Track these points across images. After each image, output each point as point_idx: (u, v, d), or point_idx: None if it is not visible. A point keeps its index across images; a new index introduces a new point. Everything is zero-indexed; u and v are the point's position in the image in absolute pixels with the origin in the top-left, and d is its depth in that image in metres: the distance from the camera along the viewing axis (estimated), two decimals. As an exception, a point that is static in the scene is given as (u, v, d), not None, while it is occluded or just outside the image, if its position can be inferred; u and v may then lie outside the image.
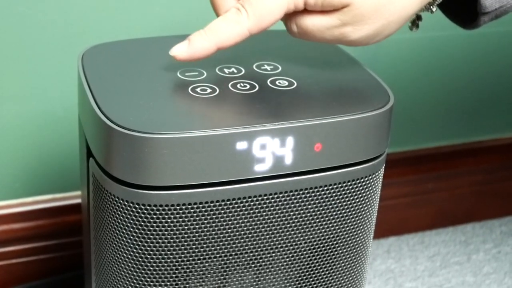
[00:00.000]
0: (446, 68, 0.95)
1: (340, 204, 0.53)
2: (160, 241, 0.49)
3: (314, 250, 0.54)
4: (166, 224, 0.49)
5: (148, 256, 0.50)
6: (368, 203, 0.54)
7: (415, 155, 0.99)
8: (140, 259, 0.50)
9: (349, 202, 0.53)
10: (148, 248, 0.50)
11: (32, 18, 0.73)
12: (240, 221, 0.50)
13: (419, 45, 0.91)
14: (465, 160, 1.02)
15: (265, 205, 0.51)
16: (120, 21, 0.76)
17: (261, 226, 0.51)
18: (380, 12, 0.51)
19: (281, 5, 0.51)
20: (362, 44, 0.53)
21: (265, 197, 0.50)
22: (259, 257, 0.53)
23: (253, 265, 0.53)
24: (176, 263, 0.51)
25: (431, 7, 0.55)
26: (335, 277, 0.56)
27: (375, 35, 0.52)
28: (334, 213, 0.53)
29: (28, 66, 0.75)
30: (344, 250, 0.55)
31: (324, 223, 0.53)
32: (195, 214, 0.49)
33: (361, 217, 0.54)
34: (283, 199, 0.51)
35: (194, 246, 0.50)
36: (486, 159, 1.03)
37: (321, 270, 0.55)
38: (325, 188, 0.52)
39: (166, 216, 0.49)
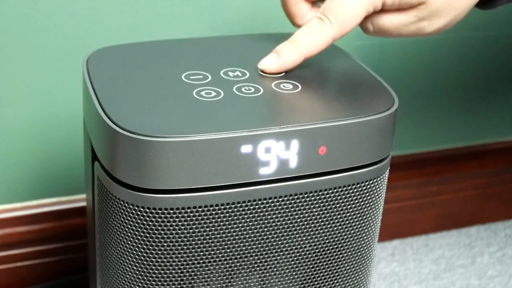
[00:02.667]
0: (450, 71, 0.95)
1: (344, 207, 0.53)
2: (165, 244, 0.50)
3: (319, 253, 0.54)
4: (171, 228, 0.49)
5: (153, 259, 0.50)
6: (372, 206, 0.54)
7: (419, 158, 0.99)
8: (145, 262, 0.50)
9: (353, 205, 0.53)
10: (153, 251, 0.50)
11: (37, 21, 0.73)
12: (245, 224, 0.50)
13: (423, 48, 0.91)
14: (469, 163, 1.01)
15: (270, 208, 0.51)
16: (125, 25, 0.76)
17: (266, 229, 0.51)
18: (453, 5, 0.54)
19: (362, 10, 0.53)
20: (435, 34, 0.56)
21: (270, 200, 0.50)
22: (263, 260, 0.53)
23: (257, 268, 0.53)
24: (181, 266, 0.51)
25: None
26: (339, 280, 0.56)
27: (447, 25, 0.55)
28: (339, 216, 0.53)
29: (33, 69, 0.75)
30: (349, 253, 0.55)
31: (328, 226, 0.53)
32: (200, 218, 0.49)
33: (365, 220, 0.54)
34: (288, 202, 0.51)
35: (199, 249, 0.50)
36: (490, 162, 1.03)
37: (326, 273, 0.55)
38: (330, 191, 0.52)
39: (171, 219, 0.49)
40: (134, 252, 0.50)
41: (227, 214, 0.50)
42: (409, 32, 0.55)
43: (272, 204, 0.51)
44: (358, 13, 0.53)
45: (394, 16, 0.55)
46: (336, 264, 0.55)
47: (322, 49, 0.54)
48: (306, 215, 0.52)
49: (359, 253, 0.56)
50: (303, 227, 0.52)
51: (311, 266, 0.54)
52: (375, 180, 0.53)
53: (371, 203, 0.54)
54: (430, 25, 0.55)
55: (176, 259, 0.50)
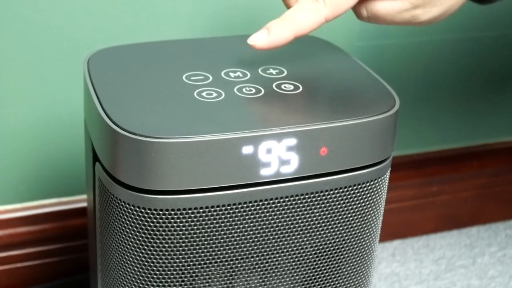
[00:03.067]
0: (450, 71, 0.95)
1: (346, 208, 0.53)
2: (166, 245, 0.49)
3: (320, 254, 0.54)
4: (172, 229, 0.49)
5: (154, 260, 0.50)
6: (374, 207, 0.54)
7: (420, 158, 0.99)
8: (146, 263, 0.50)
9: (355, 206, 0.53)
10: (154, 252, 0.50)
11: (38, 22, 0.73)
12: (246, 225, 0.50)
13: (424, 49, 0.91)
14: (469, 163, 1.01)
15: (271, 209, 0.51)
16: (126, 25, 0.76)
17: (267, 230, 0.51)
18: None
19: None
20: (429, 24, 0.55)
21: (271, 201, 0.50)
22: (265, 261, 0.53)
23: (259, 269, 0.53)
24: (182, 267, 0.51)
25: None
26: (341, 281, 0.56)
27: (442, 14, 0.54)
28: (340, 217, 0.53)
29: (33, 70, 0.75)
30: (350, 254, 0.55)
31: (330, 227, 0.53)
32: (201, 219, 0.49)
33: (367, 221, 0.54)
34: (289, 203, 0.51)
35: (200, 250, 0.50)
36: (491, 162, 1.03)
37: (327, 274, 0.55)
38: (331, 192, 0.52)
39: (172, 220, 0.49)
40: (135, 253, 0.50)
41: (228, 215, 0.50)
42: (403, 20, 0.54)
43: (273, 205, 0.51)
44: None
45: (389, 2, 0.54)
46: (337, 264, 0.55)
47: (314, 29, 0.53)
48: (307, 216, 0.52)
49: (360, 254, 0.56)
50: (304, 227, 0.52)
51: (312, 266, 0.54)
52: (376, 181, 0.53)
53: (372, 204, 0.54)
54: (424, 13, 0.54)
55: (177, 260, 0.50)
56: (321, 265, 0.55)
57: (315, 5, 0.52)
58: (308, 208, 0.52)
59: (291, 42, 0.53)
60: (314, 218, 0.52)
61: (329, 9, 0.52)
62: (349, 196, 0.52)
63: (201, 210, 0.49)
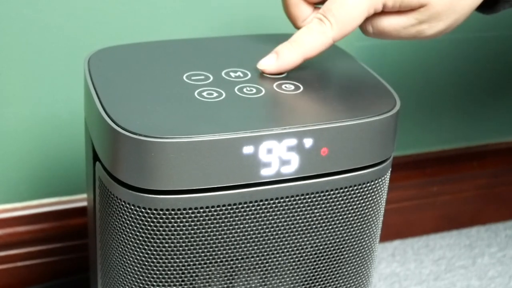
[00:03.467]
0: (451, 71, 0.95)
1: (346, 209, 0.53)
2: (166, 245, 0.49)
3: (320, 254, 0.54)
4: (172, 228, 0.49)
5: (155, 260, 0.50)
6: (374, 207, 0.54)
7: (420, 159, 0.99)
8: (146, 263, 0.50)
9: (355, 207, 0.53)
10: (154, 252, 0.50)
11: (38, 21, 0.73)
12: (247, 225, 0.50)
13: (424, 49, 0.91)
14: (470, 164, 1.01)
15: (271, 209, 0.51)
16: (126, 25, 0.76)
17: (267, 230, 0.51)
18: (453, 9, 0.54)
19: (362, 12, 0.53)
20: (434, 37, 0.56)
21: (271, 201, 0.50)
22: (265, 261, 0.53)
23: (259, 269, 0.53)
24: (183, 267, 0.51)
25: None
26: (341, 281, 0.56)
27: (447, 28, 0.55)
28: (341, 217, 0.53)
29: (34, 70, 0.75)
30: (350, 254, 0.55)
31: (330, 227, 0.53)
32: (201, 218, 0.49)
33: (367, 221, 0.54)
34: (289, 203, 0.51)
35: (200, 250, 0.50)
36: (491, 162, 1.03)
37: (327, 274, 0.55)
38: (332, 192, 0.52)
39: (172, 220, 0.49)
40: (135, 252, 0.50)
41: (229, 215, 0.50)
42: (409, 35, 0.55)
43: (274, 205, 0.51)
44: (359, 15, 0.53)
45: (394, 18, 0.55)
46: (337, 264, 0.55)
47: (322, 50, 0.54)
48: (308, 216, 0.52)
49: (361, 254, 0.56)
50: (304, 228, 0.52)
51: (312, 266, 0.54)
52: (376, 181, 0.53)
53: (373, 204, 0.54)
54: (430, 28, 0.55)
55: (177, 260, 0.50)
56: (321, 265, 0.55)
57: (322, 28, 0.53)
58: (309, 208, 0.52)
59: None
60: (315, 218, 0.52)
61: (336, 30, 0.53)
62: (350, 197, 0.52)
63: (201, 210, 0.49)
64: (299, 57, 0.54)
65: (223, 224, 0.50)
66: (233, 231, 0.50)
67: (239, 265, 0.52)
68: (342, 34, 0.54)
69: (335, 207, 0.52)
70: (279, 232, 0.52)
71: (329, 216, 0.52)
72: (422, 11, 0.54)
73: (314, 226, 0.52)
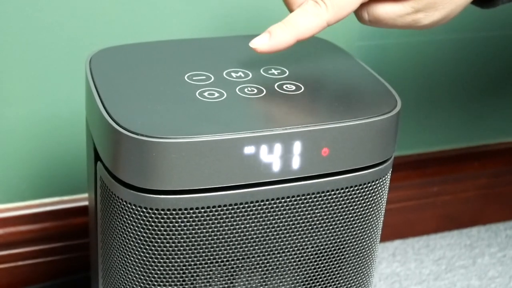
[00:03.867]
0: (452, 71, 0.95)
1: (347, 209, 0.53)
2: (167, 245, 0.50)
3: (321, 254, 0.54)
4: (173, 228, 0.49)
5: (156, 260, 0.50)
6: (375, 207, 0.54)
7: (421, 159, 0.99)
8: (147, 262, 0.50)
9: (356, 207, 0.53)
10: (155, 252, 0.50)
11: (40, 21, 0.73)
12: (248, 225, 0.50)
13: (425, 49, 0.91)
14: (470, 164, 1.01)
15: (272, 210, 0.51)
16: (128, 25, 0.76)
17: (268, 230, 0.51)
18: None
19: None
20: (430, 27, 0.55)
21: (272, 202, 0.50)
22: (266, 261, 0.53)
23: (260, 269, 0.53)
24: (183, 267, 0.51)
25: None
26: (341, 281, 0.56)
27: (443, 18, 0.54)
28: (341, 217, 0.53)
29: (35, 69, 0.75)
30: (351, 254, 0.55)
31: (331, 227, 0.53)
32: (202, 219, 0.49)
33: (368, 221, 0.54)
34: (290, 203, 0.51)
35: (201, 250, 0.50)
36: (491, 162, 1.03)
37: (328, 274, 0.55)
38: (332, 192, 0.52)
39: (173, 220, 0.49)
40: (137, 252, 0.50)
41: (230, 215, 0.50)
42: (404, 24, 0.55)
43: (275, 205, 0.51)
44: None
45: (391, 6, 0.54)
46: (338, 265, 0.55)
47: (316, 33, 0.53)
48: (309, 216, 0.52)
49: (361, 254, 0.56)
50: (305, 228, 0.52)
51: (313, 266, 0.55)
52: (377, 182, 0.53)
53: (374, 205, 0.54)
54: (426, 17, 0.54)
55: (178, 260, 0.50)
56: (322, 265, 0.55)
57: (317, 9, 0.52)
58: (310, 208, 0.52)
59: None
60: (315, 219, 0.52)
61: (331, 13, 0.52)
62: (351, 197, 0.52)
63: (202, 210, 0.49)
64: (292, 38, 0.53)
65: (224, 224, 0.50)
66: (234, 231, 0.50)
67: (240, 265, 0.52)
68: (337, 17, 0.53)
69: (336, 207, 0.52)
70: (280, 232, 0.52)
71: (330, 216, 0.52)
72: (418, 0, 0.53)
73: (314, 226, 0.52)
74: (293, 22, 0.53)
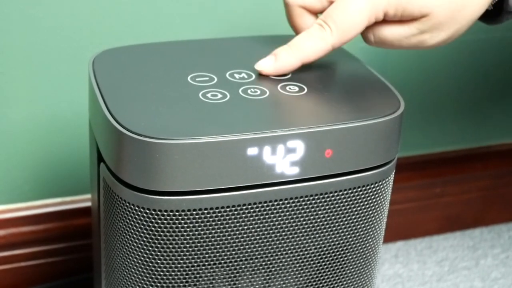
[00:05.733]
0: (454, 73, 0.95)
1: (350, 210, 0.53)
2: (170, 246, 0.50)
3: (324, 256, 0.54)
4: (176, 229, 0.49)
5: (158, 261, 0.50)
6: (378, 209, 0.54)
7: (423, 160, 0.99)
8: (150, 263, 0.50)
9: (359, 208, 0.53)
10: (158, 253, 0.50)
11: (43, 22, 0.73)
12: (251, 226, 0.50)
13: (427, 51, 0.91)
14: (473, 165, 1.01)
15: (275, 211, 0.51)
16: (131, 26, 0.76)
17: (271, 231, 0.51)
18: (455, 19, 0.53)
19: (363, 19, 0.53)
20: (436, 47, 0.55)
21: (275, 203, 0.50)
22: (269, 262, 0.53)
23: (262, 270, 0.53)
24: (186, 268, 0.51)
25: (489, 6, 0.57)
26: (344, 282, 0.56)
27: (449, 38, 0.55)
28: (344, 219, 0.53)
29: (38, 70, 0.75)
30: (354, 256, 0.55)
31: (334, 228, 0.53)
32: (205, 220, 0.49)
33: (371, 223, 0.54)
34: (293, 204, 0.51)
35: (204, 251, 0.50)
36: (494, 164, 1.03)
37: (331, 275, 0.55)
38: (335, 194, 0.52)
39: (176, 221, 0.49)
40: (140, 253, 0.50)
41: (233, 217, 0.50)
42: (410, 44, 0.55)
43: (278, 207, 0.51)
44: (359, 23, 0.53)
45: (396, 28, 0.54)
46: (340, 266, 0.55)
47: (321, 56, 0.54)
48: (312, 217, 0.52)
49: (364, 255, 0.56)
50: (308, 229, 0.52)
51: (315, 268, 0.55)
52: (380, 183, 0.53)
53: (377, 206, 0.54)
54: (431, 38, 0.54)
55: (181, 261, 0.50)
56: (325, 266, 0.55)
57: (322, 33, 0.53)
58: (312, 209, 0.52)
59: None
60: (318, 220, 0.52)
61: (336, 37, 0.53)
62: (354, 198, 0.52)
63: (205, 211, 0.49)
64: (297, 61, 0.54)
65: (227, 226, 0.50)
66: (237, 232, 0.50)
67: (243, 266, 0.52)
68: (342, 41, 0.53)
69: (339, 209, 0.52)
70: (283, 233, 0.52)
71: (333, 217, 0.52)
72: (423, 21, 0.53)
73: (317, 228, 0.52)
74: (298, 45, 0.54)
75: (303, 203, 0.51)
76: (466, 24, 0.55)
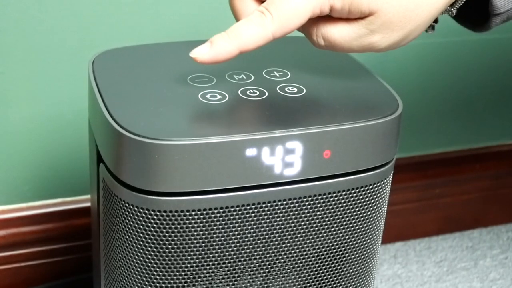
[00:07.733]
0: (453, 74, 0.95)
1: (348, 211, 0.53)
2: (169, 246, 0.50)
3: (323, 256, 0.54)
4: (175, 230, 0.49)
5: (158, 261, 0.50)
6: (376, 209, 0.54)
7: (422, 161, 0.99)
8: (149, 264, 0.51)
9: (357, 209, 0.53)
10: (157, 254, 0.50)
11: (43, 22, 0.73)
12: (249, 227, 0.51)
13: (426, 51, 0.91)
14: (472, 166, 1.01)
15: (274, 212, 0.51)
16: (131, 27, 0.76)
17: (270, 232, 0.51)
18: (408, 18, 0.50)
19: (307, 9, 0.49)
20: (389, 49, 0.52)
21: (274, 204, 0.51)
22: (267, 262, 0.53)
23: (261, 271, 0.53)
24: (185, 269, 0.51)
25: (452, 9, 0.54)
26: (343, 283, 0.56)
27: (402, 40, 0.51)
28: (343, 219, 0.53)
29: (38, 71, 0.75)
30: (352, 256, 0.55)
31: (332, 229, 0.53)
32: (204, 220, 0.49)
33: (369, 223, 0.55)
34: (292, 205, 0.51)
35: (203, 252, 0.50)
36: (493, 165, 1.03)
37: (329, 275, 0.55)
38: (334, 194, 0.52)
39: (175, 222, 0.49)
40: (139, 254, 0.50)
41: (232, 217, 0.50)
42: (361, 47, 0.51)
43: (276, 207, 0.51)
44: (303, 12, 0.49)
45: (345, 27, 0.51)
46: (339, 266, 0.55)
47: (261, 45, 0.50)
48: (310, 218, 0.52)
49: (363, 256, 0.56)
50: (306, 230, 0.52)
51: (314, 268, 0.55)
52: (379, 184, 0.53)
53: (375, 207, 0.54)
54: (382, 39, 0.51)
55: (180, 261, 0.50)
56: (323, 267, 0.55)
57: (262, 20, 0.49)
58: (311, 210, 0.52)
59: (260, 47, 0.51)
60: (317, 221, 0.52)
61: (277, 25, 0.49)
62: (352, 199, 0.53)
63: (204, 212, 0.49)
64: (235, 48, 0.50)
65: (226, 226, 0.50)
66: (236, 233, 0.50)
67: (242, 266, 0.52)
68: (283, 30, 0.49)
69: (337, 209, 0.52)
70: (282, 234, 0.52)
71: (332, 218, 0.53)
72: (372, 20, 0.50)
73: (316, 228, 0.53)
74: (236, 32, 0.50)
75: (301, 204, 0.51)
76: (423, 23, 0.51)
